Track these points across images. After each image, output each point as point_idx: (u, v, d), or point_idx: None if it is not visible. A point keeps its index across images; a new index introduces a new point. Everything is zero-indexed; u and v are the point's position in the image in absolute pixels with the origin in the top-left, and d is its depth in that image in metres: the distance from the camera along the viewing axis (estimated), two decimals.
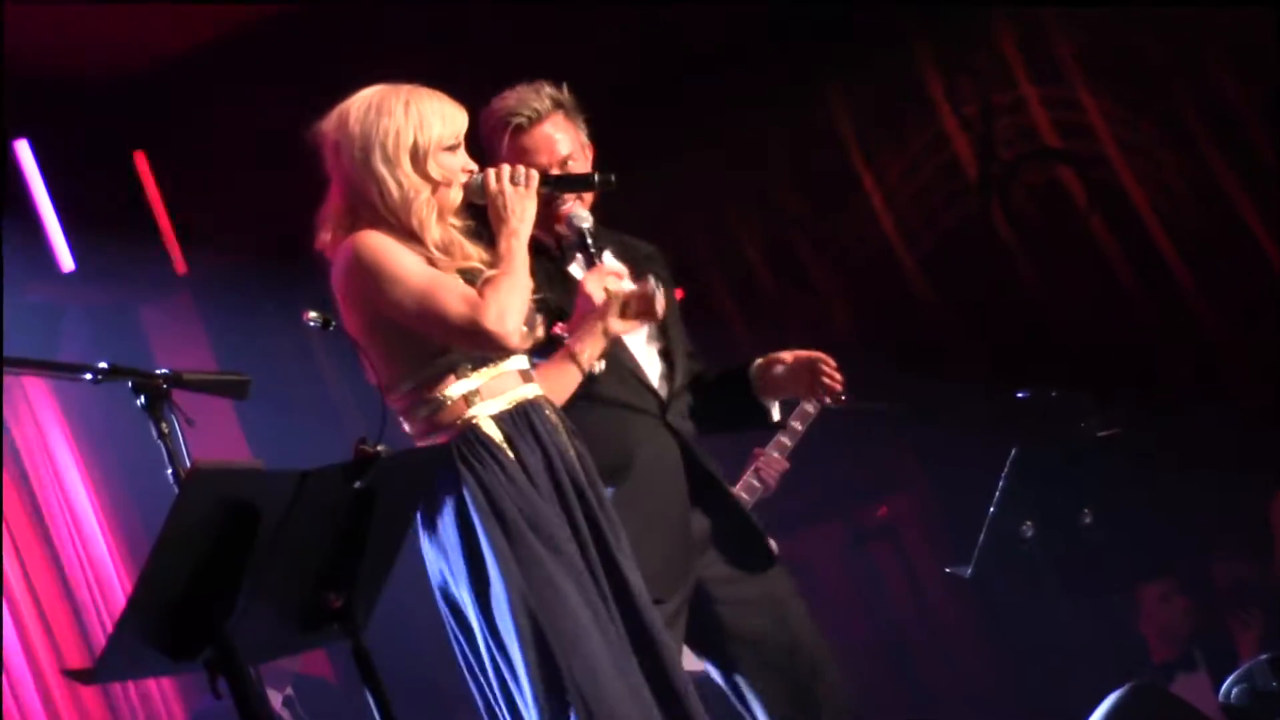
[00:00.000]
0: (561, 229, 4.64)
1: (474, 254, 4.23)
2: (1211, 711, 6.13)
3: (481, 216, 4.33)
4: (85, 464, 7.86)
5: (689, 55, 8.31)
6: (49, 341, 7.44)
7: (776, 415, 4.93)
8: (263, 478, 3.51)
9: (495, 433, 4.15)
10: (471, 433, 4.14)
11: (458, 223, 4.28)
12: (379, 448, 3.62)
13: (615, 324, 4.39)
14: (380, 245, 4.14)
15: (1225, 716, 5.81)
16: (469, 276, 4.16)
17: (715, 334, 8.45)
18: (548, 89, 4.68)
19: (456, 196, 4.24)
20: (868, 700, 7.36)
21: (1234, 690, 5.86)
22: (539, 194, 4.32)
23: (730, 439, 5.08)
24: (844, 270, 8.75)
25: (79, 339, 7.76)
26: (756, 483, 6.08)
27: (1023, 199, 8.49)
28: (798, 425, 6.11)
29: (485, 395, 4.18)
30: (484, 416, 4.16)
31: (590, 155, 4.74)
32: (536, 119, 4.65)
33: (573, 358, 4.39)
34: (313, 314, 4.18)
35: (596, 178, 4.47)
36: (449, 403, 4.16)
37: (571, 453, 4.25)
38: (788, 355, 4.82)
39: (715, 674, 4.77)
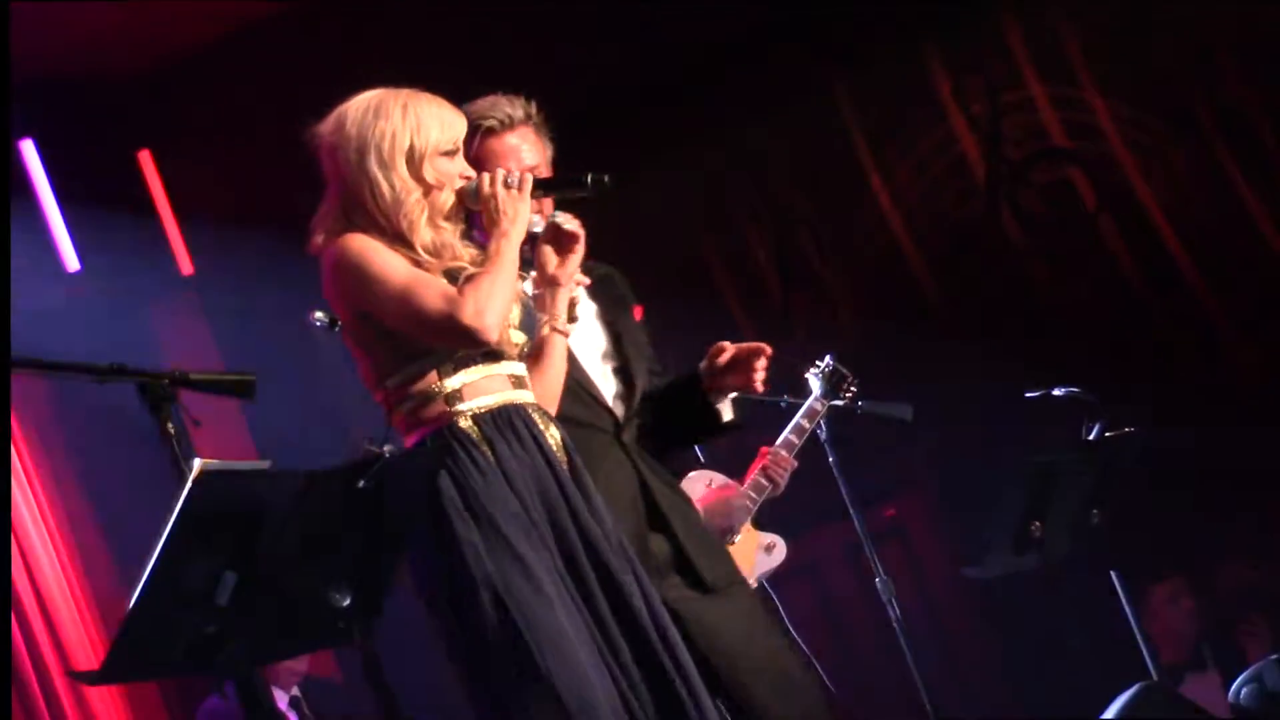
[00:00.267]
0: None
1: (465, 257, 4.22)
2: (1221, 712, 6.12)
3: (475, 221, 4.31)
4: (86, 463, 7.85)
5: (695, 55, 8.30)
6: (54, 341, 7.42)
7: (728, 415, 4.87)
8: (269, 478, 3.51)
9: (472, 429, 4.14)
10: (448, 429, 4.13)
11: (449, 226, 4.26)
12: (385, 448, 3.61)
13: (555, 267, 4.37)
14: (364, 246, 4.13)
15: (1235, 717, 5.79)
16: (452, 276, 4.15)
17: (723, 336, 8.45)
18: (520, 101, 4.67)
19: (448, 200, 4.23)
20: (872, 701, 7.36)
21: (1243, 690, 5.85)
22: (533, 197, 4.30)
23: (734, 438, 5.05)
24: (852, 270, 8.74)
25: (85, 338, 7.74)
26: (765, 481, 6.05)
27: (1031, 199, 8.48)
28: (806, 423, 6.10)
29: (468, 395, 4.16)
30: (464, 414, 4.15)
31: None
32: (508, 125, 4.65)
33: (549, 326, 4.37)
34: (319, 314, 4.17)
35: (590, 179, 4.42)
36: (430, 401, 4.15)
37: (560, 458, 4.23)
38: (730, 346, 4.79)
39: None
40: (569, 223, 4.39)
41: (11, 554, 7.10)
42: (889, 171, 8.67)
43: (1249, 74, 7.98)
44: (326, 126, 4.25)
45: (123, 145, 8.34)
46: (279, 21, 8.10)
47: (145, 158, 8.38)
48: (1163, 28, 8.00)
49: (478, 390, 4.18)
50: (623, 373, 4.73)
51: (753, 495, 6.04)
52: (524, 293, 4.38)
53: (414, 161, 4.18)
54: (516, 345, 4.26)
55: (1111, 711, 5.64)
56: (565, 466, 4.23)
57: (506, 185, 4.24)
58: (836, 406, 6.24)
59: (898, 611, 6.40)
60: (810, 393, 6.22)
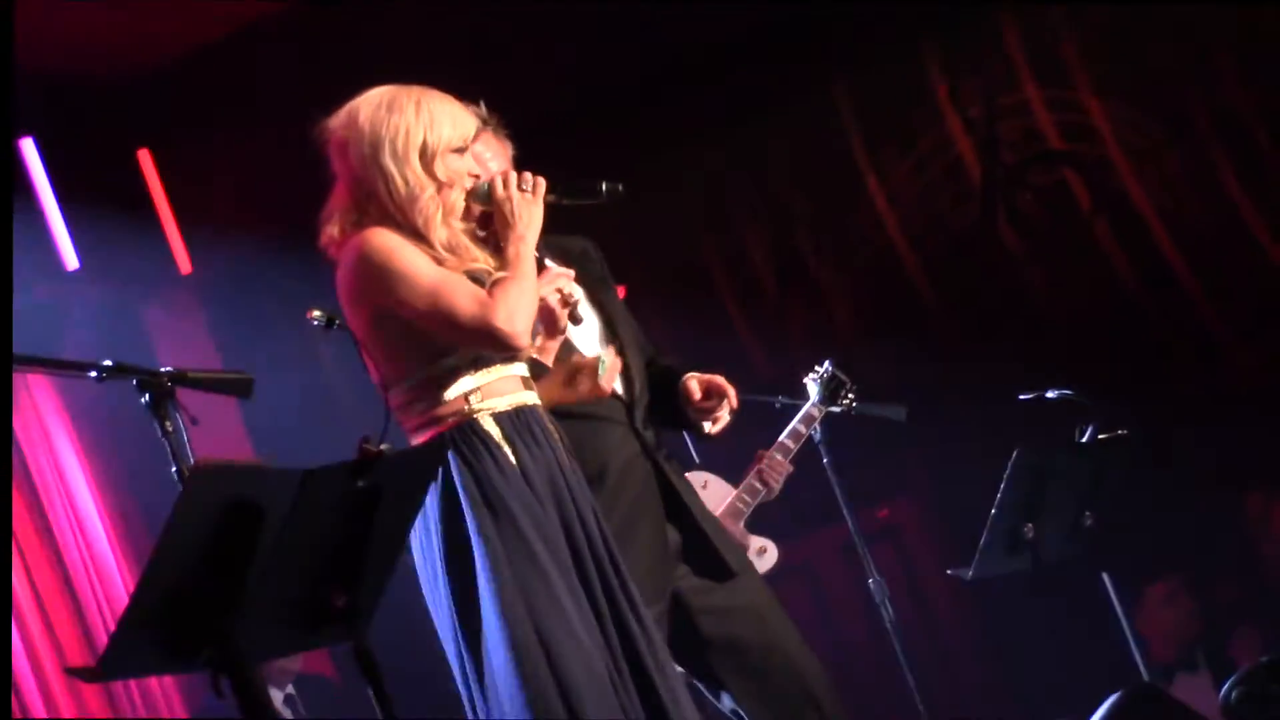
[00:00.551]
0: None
1: (479, 257, 4.23)
2: (1212, 714, 6.13)
3: (483, 222, 4.32)
4: (88, 461, 7.86)
5: (692, 56, 8.32)
6: (54, 339, 7.45)
7: (709, 429, 4.85)
8: (266, 476, 3.52)
9: (494, 430, 4.15)
10: (470, 426, 4.14)
11: (461, 225, 4.27)
12: (382, 446, 3.63)
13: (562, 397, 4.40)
14: (390, 242, 4.13)
15: (1226, 718, 5.81)
16: (475, 278, 4.16)
17: (719, 336, 8.48)
18: (471, 108, 4.66)
19: (459, 199, 4.24)
20: (867, 703, 7.37)
21: (1234, 693, 5.85)
22: (546, 201, 4.32)
23: (730, 440, 5.06)
24: (848, 272, 8.76)
25: (83, 337, 7.76)
26: (759, 484, 6.07)
27: (1027, 202, 8.49)
28: (802, 428, 6.12)
29: (486, 395, 4.18)
30: (484, 414, 4.16)
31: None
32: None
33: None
34: (316, 312, 4.17)
35: (604, 187, 4.45)
36: (448, 401, 4.16)
37: (568, 462, 4.26)
38: (699, 385, 4.76)
39: (704, 685, 4.76)
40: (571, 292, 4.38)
41: (11, 552, 7.12)
42: (886, 173, 8.68)
43: (1245, 77, 7.99)
44: (337, 121, 4.24)
45: (122, 144, 8.35)
46: (278, 22, 8.11)
47: (144, 157, 8.39)
48: (1159, 31, 8.01)
49: (494, 391, 4.19)
50: (620, 354, 4.72)
51: (746, 498, 6.06)
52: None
53: (427, 158, 4.18)
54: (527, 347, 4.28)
55: (1101, 713, 5.65)
56: (571, 473, 4.25)
57: (521, 188, 4.25)
58: (833, 413, 6.26)
59: (891, 613, 6.42)
60: (807, 397, 6.23)
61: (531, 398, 4.25)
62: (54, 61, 7.61)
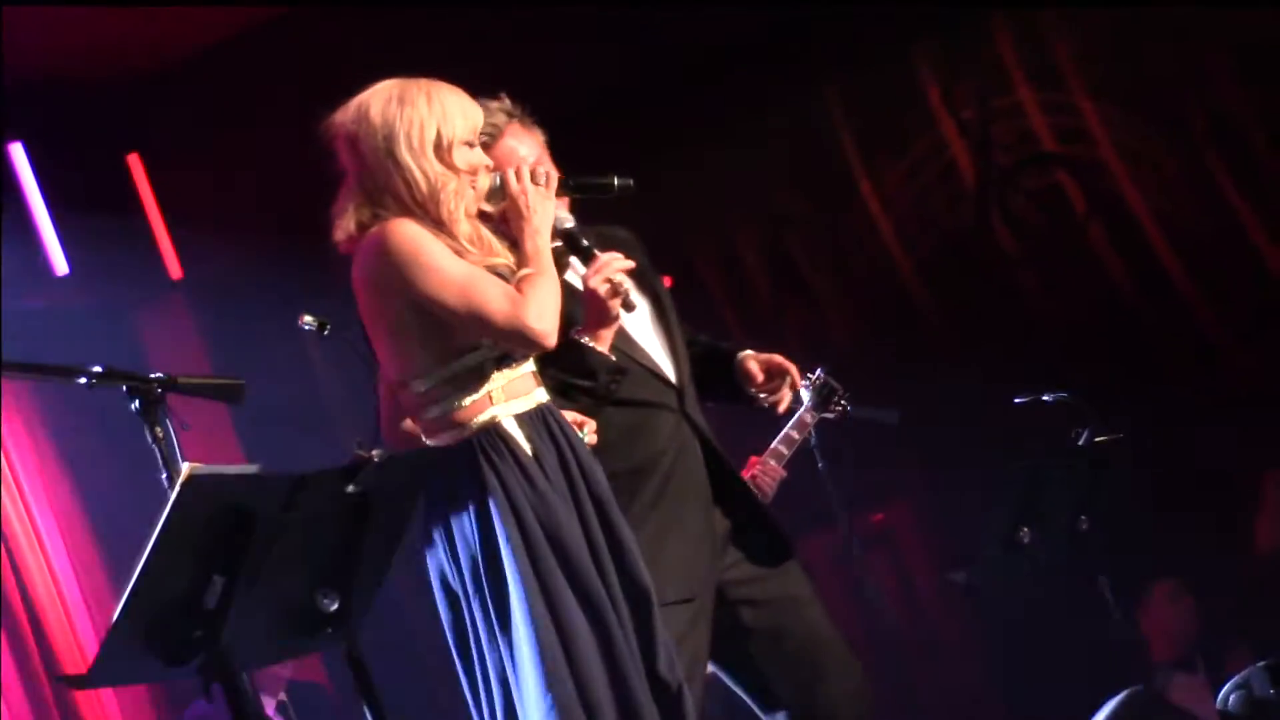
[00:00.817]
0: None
1: (500, 250, 4.20)
2: (1209, 716, 6.12)
3: (490, 218, 4.30)
4: (71, 467, 7.85)
5: (686, 58, 8.31)
6: (44, 345, 7.42)
7: (778, 407, 4.89)
8: (257, 482, 3.50)
9: (517, 432, 4.12)
10: (494, 430, 4.11)
11: (476, 219, 4.25)
12: (374, 452, 3.61)
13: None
14: (417, 234, 4.08)
15: None
16: (497, 274, 4.13)
17: (713, 338, 8.46)
18: (496, 103, 4.64)
19: (481, 188, 4.21)
20: None
21: (1231, 697, 5.85)
22: (558, 195, 4.30)
23: (727, 442, 5.04)
24: (842, 275, 8.75)
25: (74, 343, 7.74)
26: (753, 490, 6.06)
27: (1021, 204, 8.48)
28: (795, 434, 6.11)
29: (508, 396, 4.15)
30: (506, 415, 4.13)
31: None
32: (497, 134, 4.61)
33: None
34: (308, 318, 4.16)
35: (616, 182, 4.43)
36: (470, 401, 4.12)
37: (586, 454, 4.24)
38: (758, 365, 4.78)
39: (732, 673, 4.75)
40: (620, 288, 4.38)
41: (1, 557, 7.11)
42: (879, 176, 8.67)
43: (1240, 79, 7.99)
44: (345, 115, 4.19)
45: (112, 149, 8.34)
46: (269, 27, 8.10)
47: (134, 162, 8.38)
48: (1154, 33, 8.01)
49: (514, 391, 4.16)
50: (669, 345, 4.71)
51: None
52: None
53: (441, 150, 4.14)
54: None
55: (1098, 717, 5.64)
56: (588, 459, 4.23)
57: (535, 182, 4.23)
58: (826, 419, 6.26)
59: (886, 617, 6.42)
60: (800, 403, 6.23)
61: (545, 394, 4.23)
62: (43, 66, 7.60)
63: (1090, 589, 6.02)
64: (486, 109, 4.53)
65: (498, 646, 4.08)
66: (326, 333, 4.20)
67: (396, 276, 4.06)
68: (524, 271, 4.12)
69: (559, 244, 4.54)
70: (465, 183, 4.16)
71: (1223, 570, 7.82)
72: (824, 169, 8.70)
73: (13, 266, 7.16)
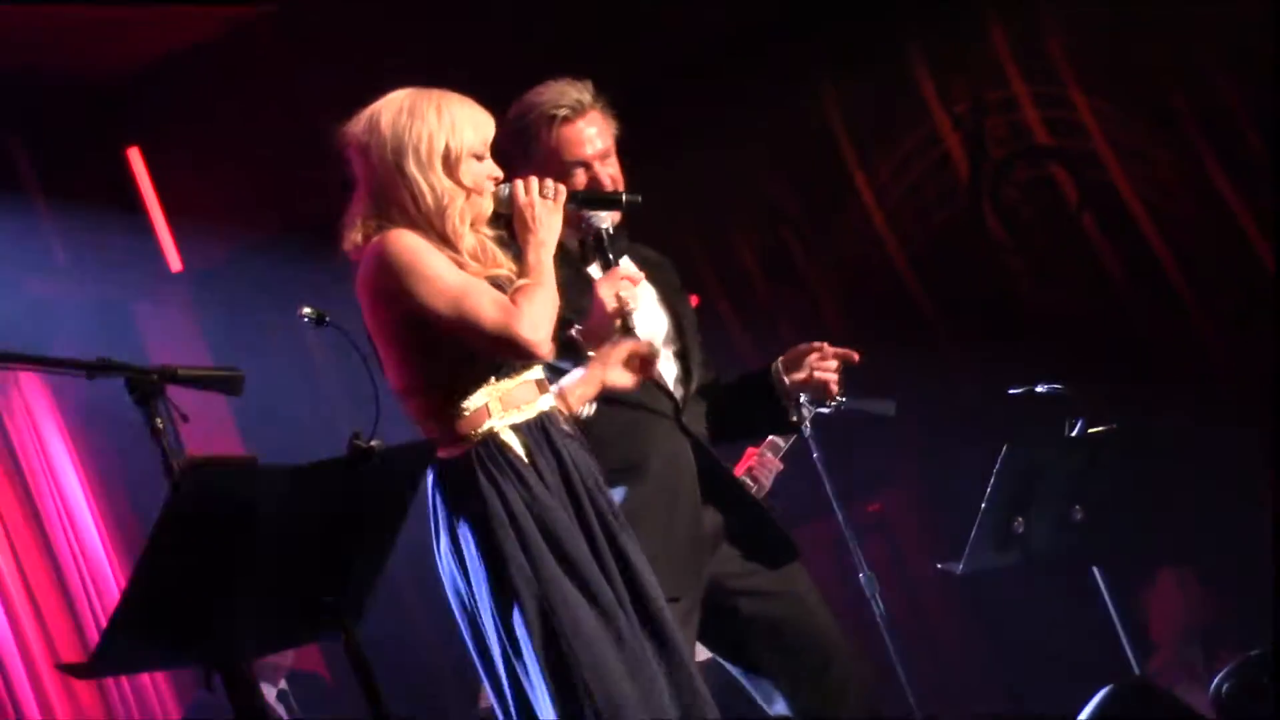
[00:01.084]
0: (583, 229, 4.64)
1: (504, 262, 4.22)
2: (1204, 703, 6.14)
3: (505, 226, 4.32)
4: (79, 457, 7.86)
5: (679, 55, 8.32)
6: (43, 337, 7.45)
7: (795, 416, 4.91)
8: (257, 473, 3.52)
9: (516, 443, 4.14)
10: (492, 442, 4.13)
11: (489, 232, 4.27)
12: (373, 443, 3.63)
13: (612, 375, 4.40)
14: (414, 244, 4.10)
15: (1217, 711, 5.82)
16: (496, 284, 4.15)
17: (709, 333, 8.46)
18: (587, 84, 4.68)
19: (489, 205, 4.23)
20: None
21: (1225, 685, 5.86)
22: (566, 208, 4.32)
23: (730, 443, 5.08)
24: (836, 268, 8.76)
25: (73, 334, 7.76)
26: (750, 482, 6.09)
27: (1014, 197, 8.49)
28: None
29: (507, 405, 4.16)
30: (504, 427, 4.15)
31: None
32: (581, 111, 4.65)
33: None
34: (307, 309, 4.16)
35: (625, 197, 4.47)
36: (469, 411, 4.14)
37: (587, 462, 4.26)
38: (794, 353, 4.81)
39: (732, 666, 4.77)
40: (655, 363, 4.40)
41: (2, 545, 7.13)
42: (873, 170, 8.68)
43: (1231, 71, 7.99)
44: (357, 126, 4.21)
45: (111, 142, 8.35)
46: (266, 21, 8.11)
47: (134, 155, 8.39)
48: (1145, 26, 8.01)
49: (514, 400, 4.17)
50: (683, 358, 4.74)
51: None
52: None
53: (450, 163, 4.15)
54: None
55: (1090, 708, 5.66)
56: (588, 465, 4.25)
57: (543, 195, 4.24)
58: (821, 414, 6.28)
59: (881, 607, 6.43)
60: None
61: (548, 402, 4.24)
62: (42, 59, 7.61)
63: (1084, 578, 6.05)
64: (575, 86, 4.59)
65: (510, 658, 4.11)
66: (326, 323, 4.20)
67: (394, 286, 4.09)
68: (521, 281, 4.14)
69: (589, 240, 4.59)
70: (476, 197, 4.19)
71: (1214, 559, 7.84)
72: (818, 162, 8.71)
73: (13, 259, 7.18)
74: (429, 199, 4.14)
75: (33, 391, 7.72)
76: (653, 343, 4.46)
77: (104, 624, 3.95)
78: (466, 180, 4.17)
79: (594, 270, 4.63)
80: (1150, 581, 7.74)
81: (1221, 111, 8.01)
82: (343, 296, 4.27)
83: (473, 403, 4.14)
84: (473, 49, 7.54)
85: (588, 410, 4.41)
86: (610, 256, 4.55)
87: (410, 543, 4.15)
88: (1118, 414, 6.19)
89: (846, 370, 4.93)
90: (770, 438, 6.09)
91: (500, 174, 4.27)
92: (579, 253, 4.64)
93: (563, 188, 4.28)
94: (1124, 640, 6.13)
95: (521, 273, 4.18)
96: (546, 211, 4.22)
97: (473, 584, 4.12)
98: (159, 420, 3.64)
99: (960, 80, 8.49)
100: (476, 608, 4.14)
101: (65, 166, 8.03)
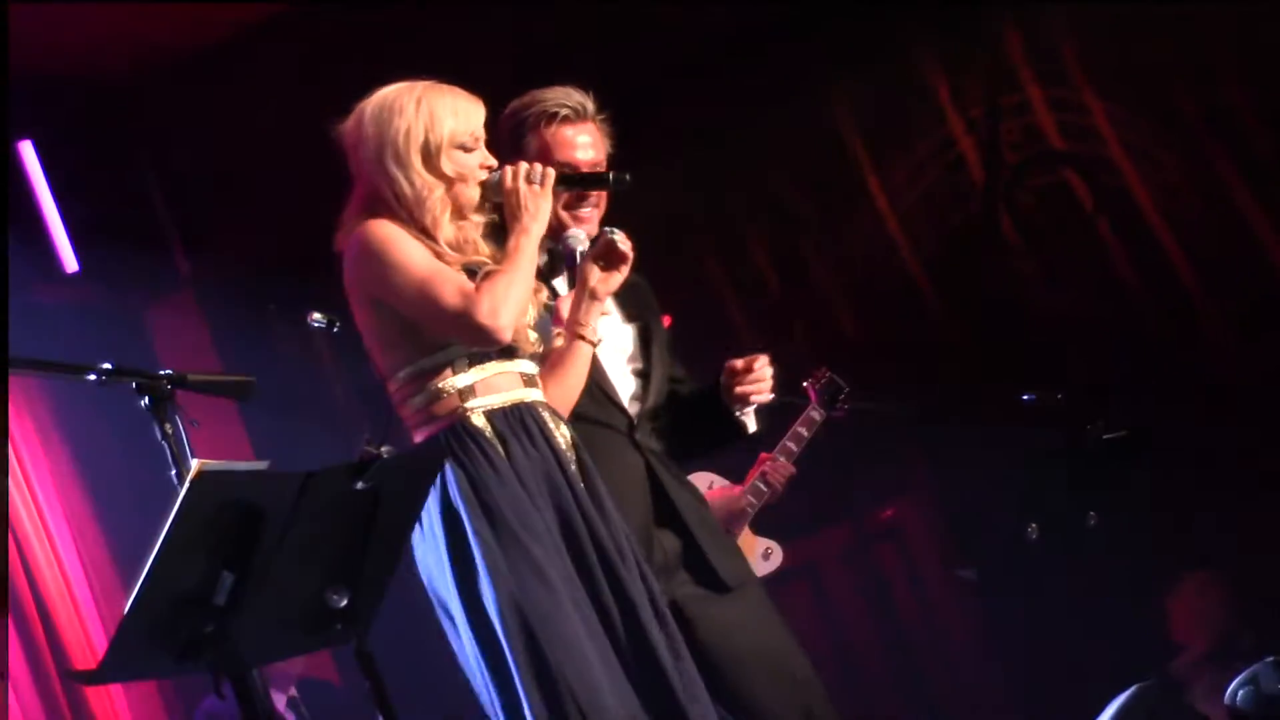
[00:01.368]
0: (556, 243, 4.63)
1: (485, 251, 4.23)
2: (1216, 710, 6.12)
3: (498, 213, 4.32)
4: (84, 462, 7.85)
5: (691, 56, 8.30)
6: (53, 342, 7.44)
7: (753, 427, 4.90)
8: (267, 479, 3.51)
9: (485, 427, 4.15)
10: (461, 425, 4.14)
11: (480, 219, 4.27)
12: (383, 448, 3.62)
13: (599, 281, 4.39)
14: (386, 233, 4.14)
15: (1231, 717, 5.79)
16: (471, 271, 4.16)
17: (721, 337, 8.46)
18: (590, 95, 4.69)
19: (474, 194, 4.23)
20: (871, 703, 7.37)
21: (1239, 693, 5.84)
22: (555, 193, 4.31)
23: (739, 443, 5.05)
24: (849, 273, 8.74)
25: (83, 340, 7.75)
26: (763, 486, 6.09)
27: (1028, 201, 8.47)
28: (804, 432, 6.13)
29: (481, 392, 4.18)
30: (476, 411, 4.15)
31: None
32: (581, 116, 4.67)
33: (578, 335, 4.39)
34: (317, 315, 4.17)
35: (612, 176, 4.46)
36: (444, 395, 4.16)
37: (570, 457, 4.24)
38: (739, 362, 4.81)
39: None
40: (623, 242, 4.41)
41: (10, 553, 7.10)
42: (887, 174, 8.66)
43: (1245, 76, 7.97)
44: (349, 124, 4.26)
45: (122, 146, 8.33)
46: (279, 23, 8.10)
47: (144, 159, 8.38)
48: (1160, 30, 7.99)
49: (491, 387, 4.19)
50: (643, 376, 4.73)
51: (751, 500, 6.08)
52: (543, 293, 4.40)
53: (430, 155, 4.18)
54: (531, 344, 4.28)
55: (1109, 712, 5.64)
56: (575, 466, 4.24)
57: (529, 180, 4.24)
58: (833, 418, 6.28)
59: (895, 613, 6.42)
60: (808, 398, 6.25)
61: (532, 394, 4.25)
62: (53, 63, 7.60)
63: (1098, 584, 6.03)
64: (580, 92, 4.63)
65: (481, 639, 4.09)
66: (336, 329, 4.21)
67: (366, 274, 4.14)
68: (489, 267, 4.15)
69: (560, 250, 4.58)
70: (460, 187, 4.20)
71: (1232, 564, 7.82)
72: (832, 166, 8.69)
73: (23, 264, 7.16)
74: (408, 193, 4.18)
75: (32, 397, 7.70)
76: (610, 233, 4.43)
77: (112, 630, 3.93)
78: (448, 170, 4.19)
79: (559, 283, 4.62)
80: (1172, 584, 7.71)
81: (1235, 116, 7.98)
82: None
83: (447, 387, 4.16)
84: (476, 50, 7.52)
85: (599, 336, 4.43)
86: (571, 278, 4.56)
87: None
88: (1131, 418, 6.17)
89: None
90: (783, 442, 6.09)
91: (494, 162, 4.27)
92: (546, 264, 4.61)
93: (550, 170, 4.28)
94: (1138, 645, 6.11)
95: (501, 260, 4.18)
96: (533, 197, 4.23)
97: (440, 570, 4.12)
98: (169, 426, 3.63)
99: (974, 84, 8.47)
100: (445, 595, 4.13)
101: (75, 171, 8.01)
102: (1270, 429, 7.57)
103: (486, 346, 4.17)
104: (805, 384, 6.29)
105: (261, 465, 3.56)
